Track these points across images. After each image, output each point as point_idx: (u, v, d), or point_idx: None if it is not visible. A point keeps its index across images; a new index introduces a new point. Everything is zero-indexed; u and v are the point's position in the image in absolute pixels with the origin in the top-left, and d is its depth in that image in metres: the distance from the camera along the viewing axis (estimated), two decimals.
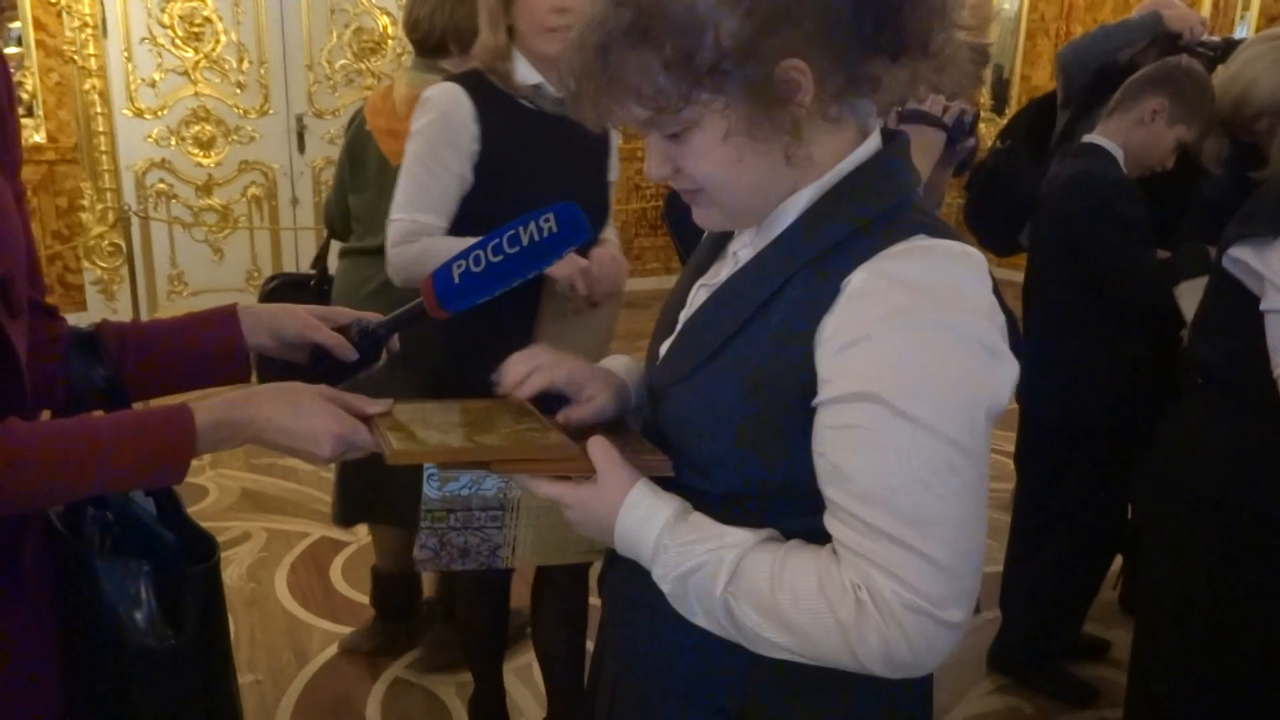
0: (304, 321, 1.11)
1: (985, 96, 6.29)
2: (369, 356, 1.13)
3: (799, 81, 0.76)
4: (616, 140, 1.93)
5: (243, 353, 1.09)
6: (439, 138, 1.73)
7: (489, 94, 1.74)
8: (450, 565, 0.97)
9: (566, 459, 0.86)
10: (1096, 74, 2.40)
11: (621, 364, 1.05)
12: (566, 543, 1.01)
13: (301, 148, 5.56)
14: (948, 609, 0.73)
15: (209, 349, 1.07)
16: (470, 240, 1.07)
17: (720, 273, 0.91)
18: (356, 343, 1.12)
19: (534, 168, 1.77)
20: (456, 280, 1.06)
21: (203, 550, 1.02)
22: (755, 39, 0.74)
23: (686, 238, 1.78)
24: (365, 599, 2.74)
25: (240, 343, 1.09)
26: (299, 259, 5.69)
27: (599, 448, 0.86)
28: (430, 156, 1.75)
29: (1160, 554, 1.76)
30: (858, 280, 0.75)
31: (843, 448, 0.75)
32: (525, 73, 1.74)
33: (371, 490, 2.31)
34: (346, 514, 2.40)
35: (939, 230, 0.78)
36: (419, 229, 1.76)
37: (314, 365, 1.10)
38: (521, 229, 1.03)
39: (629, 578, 0.91)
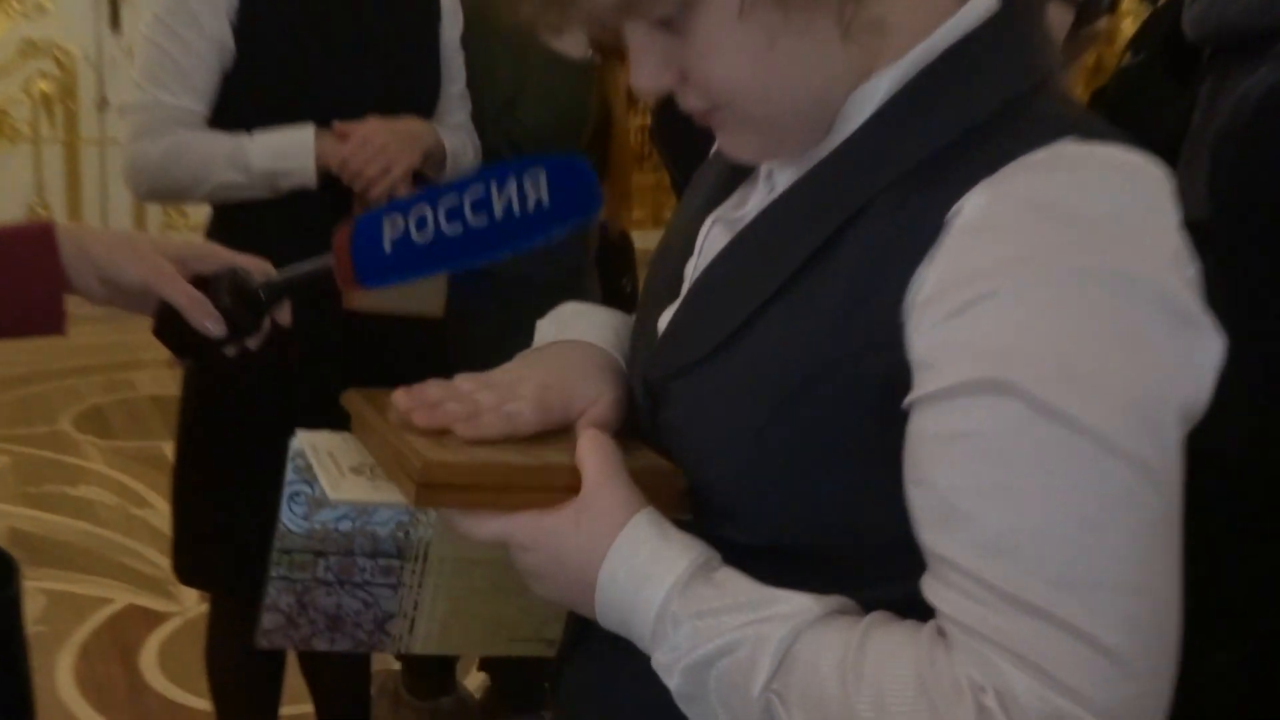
0: (150, 265, 1.04)
1: None
2: (241, 328, 1.04)
3: None
4: None
5: (57, 295, 1.04)
6: None
7: None
8: (312, 639, 0.89)
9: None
10: None
11: (607, 331, 0.91)
12: (500, 619, 0.92)
13: (116, 22, 4.96)
14: None
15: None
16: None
17: (747, 201, 0.83)
18: (225, 306, 1.03)
19: (322, 28, 1.76)
20: (387, 249, 0.96)
21: None
22: None
23: (687, 162, 1.55)
24: (195, 700, 2.51)
25: (55, 281, 1.04)
26: (109, 186, 5.17)
27: (591, 445, 0.75)
28: (174, 14, 1.72)
29: None
30: (974, 208, 0.68)
31: (956, 470, 0.66)
32: None
33: (235, 531, 1.87)
34: (190, 566, 2.00)
35: (1096, 130, 0.71)
36: (167, 115, 1.72)
37: (159, 330, 1.04)
38: (495, 188, 0.93)
39: (608, 675, 0.82)
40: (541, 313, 0.95)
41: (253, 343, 1.06)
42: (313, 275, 1.03)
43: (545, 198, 0.92)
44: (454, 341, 1.98)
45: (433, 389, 0.81)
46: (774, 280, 0.75)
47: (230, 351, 1.06)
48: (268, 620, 0.88)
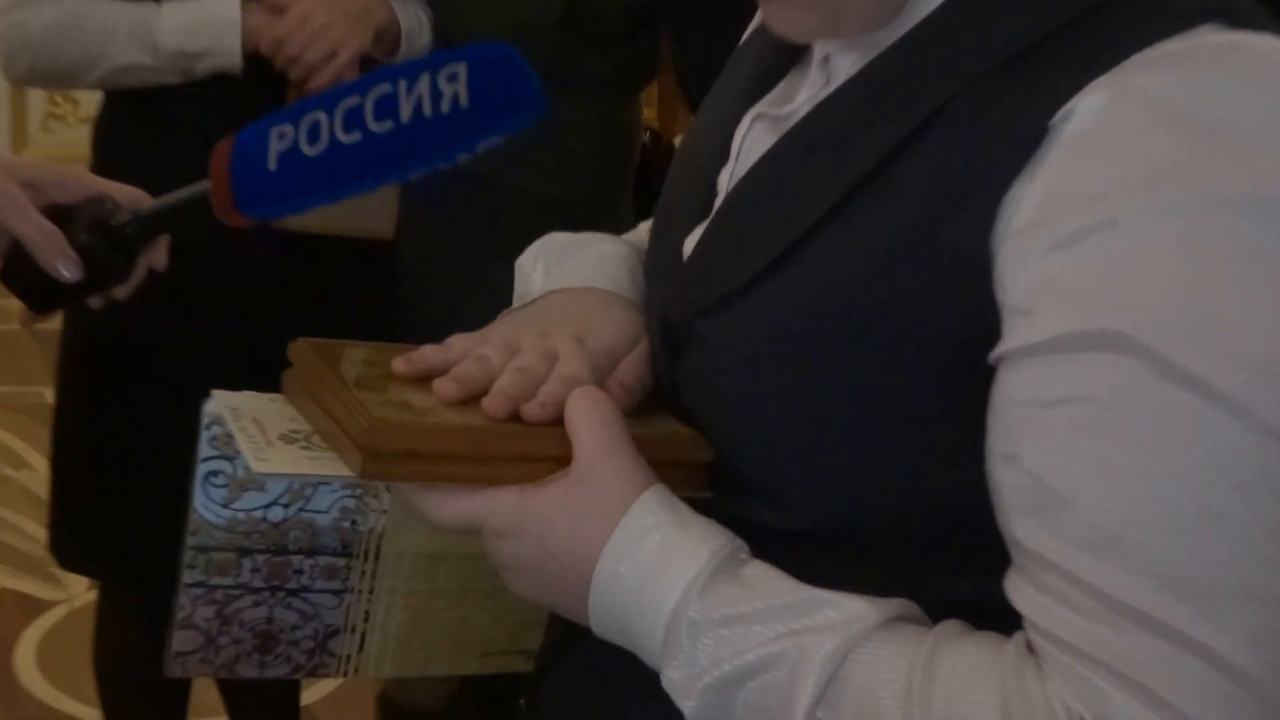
0: None
1: None
2: (104, 273, 1.00)
3: None
4: None
5: None
6: None
7: None
8: (237, 664, 0.85)
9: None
10: None
11: (615, 268, 0.87)
12: (469, 629, 0.89)
13: None
14: None
15: None
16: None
17: (797, 94, 0.78)
18: (83, 243, 0.99)
19: None
20: (272, 165, 0.90)
21: None
22: None
23: (701, 65, 1.49)
24: (79, 708, 2.42)
25: None
26: None
27: (585, 404, 0.72)
28: None
29: None
30: (1089, 111, 0.64)
31: (1055, 444, 0.63)
32: None
33: (132, 505, 1.73)
34: (72, 546, 1.88)
35: (1245, 13, 0.67)
36: None
37: (7, 273, 1.01)
38: (404, 87, 0.87)
39: (601, 691, 0.79)
40: None
41: (121, 291, 1.02)
42: (186, 203, 0.98)
43: (465, 98, 0.86)
44: (429, 278, 1.80)
45: (430, 349, 0.77)
46: (830, 193, 0.72)
47: (94, 302, 1.03)
48: (181, 641, 0.85)
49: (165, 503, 0.85)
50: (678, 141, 2.35)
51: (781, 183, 0.76)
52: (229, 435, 0.77)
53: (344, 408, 0.71)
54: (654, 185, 2.15)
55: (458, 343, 0.78)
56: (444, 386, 0.74)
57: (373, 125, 0.88)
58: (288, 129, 0.91)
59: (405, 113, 0.88)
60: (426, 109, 0.87)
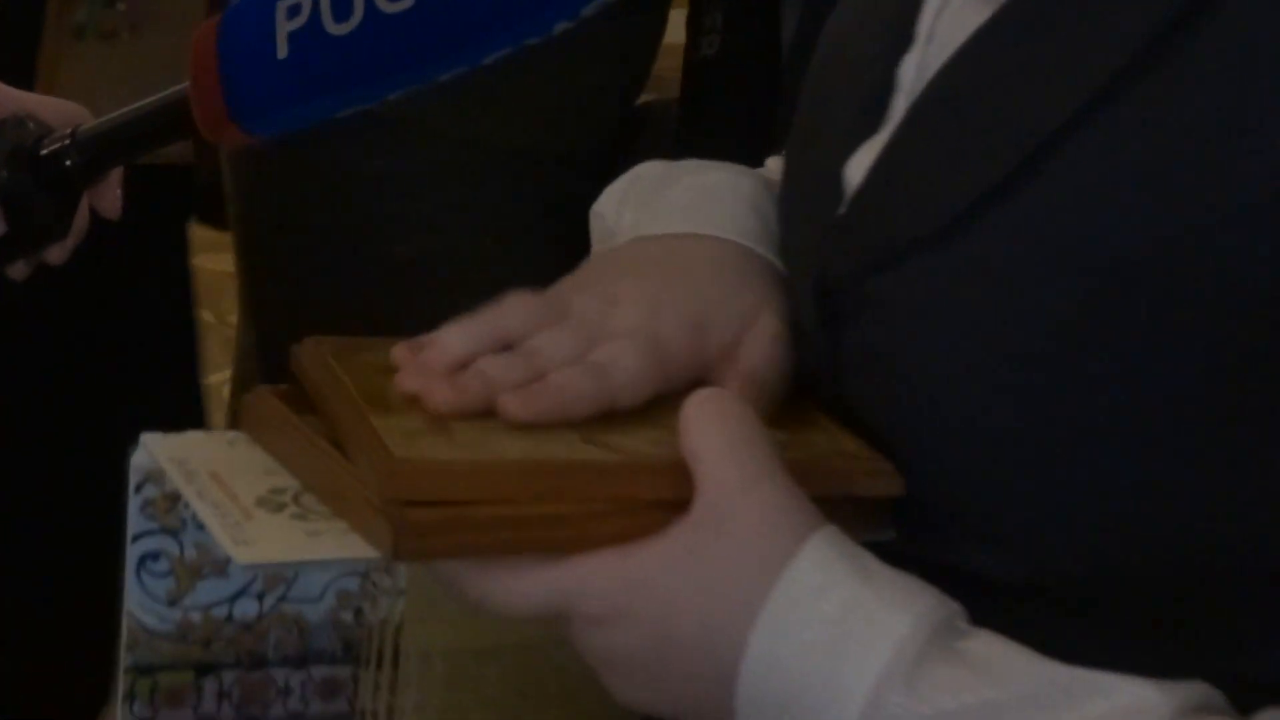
0: None
1: None
2: (32, 224, 0.83)
3: None
4: None
5: None
6: None
7: None
8: None
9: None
10: None
11: (740, 209, 0.71)
12: None
13: None
14: None
15: None
16: None
17: None
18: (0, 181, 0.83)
19: None
20: (282, 52, 0.73)
21: None
22: None
23: None
24: None
25: None
26: None
27: (708, 417, 0.57)
28: None
29: None
30: None
31: None
32: None
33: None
34: None
35: None
36: None
37: None
38: None
39: None
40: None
41: (55, 253, 0.84)
42: (152, 119, 0.81)
43: None
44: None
45: (455, 336, 0.61)
46: (1082, 85, 0.58)
47: (16, 271, 0.85)
48: None
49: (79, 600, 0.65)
50: None
51: (1006, 71, 0.61)
52: (172, 499, 0.61)
53: (356, 442, 0.55)
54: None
55: (502, 315, 0.62)
56: (509, 404, 0.58)
57: None
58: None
59: None
60: None
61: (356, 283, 1.29)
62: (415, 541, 0.52)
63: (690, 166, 0.77)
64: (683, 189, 0.73)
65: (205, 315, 2.05)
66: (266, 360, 1.32)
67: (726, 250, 0.69)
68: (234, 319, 1.65)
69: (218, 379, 1.88)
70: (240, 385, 1.39)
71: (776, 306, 0.66)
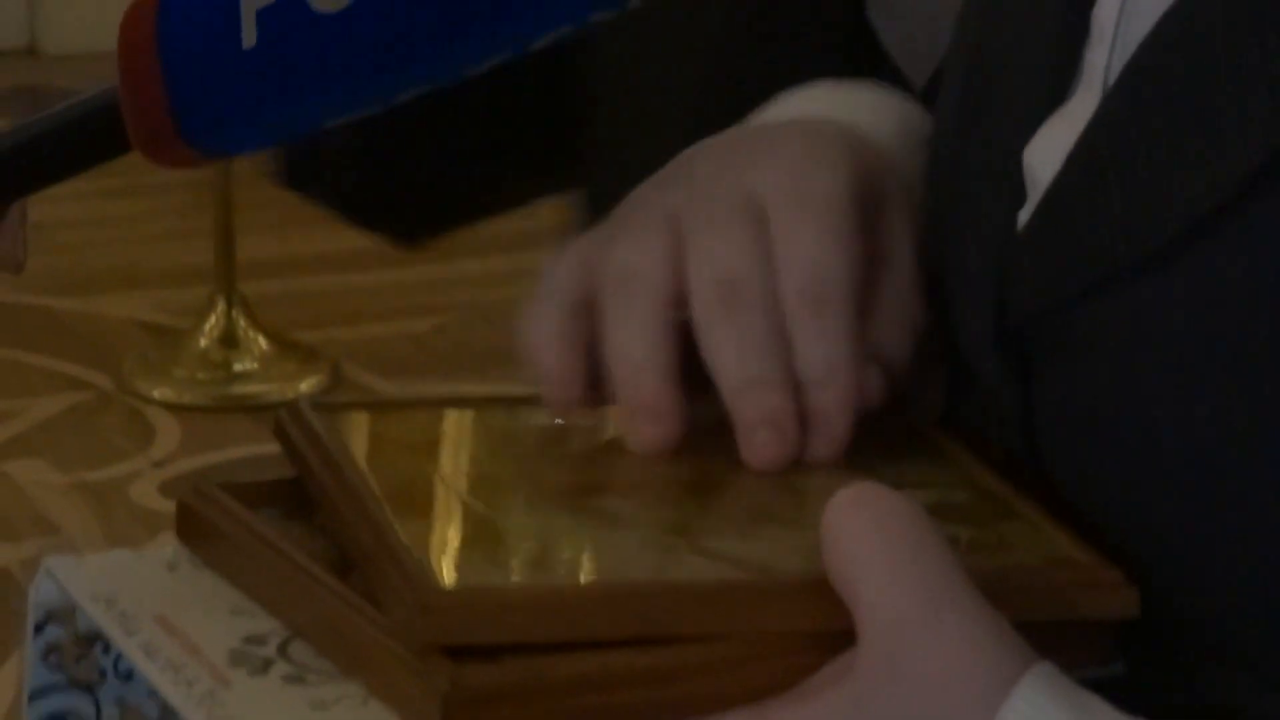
0: None
1: None
2: None
3: None
4: None
5: None
6: None
7: None
8: None
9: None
10: None
11: (889, 104, 0.60)
12: None
13: None
14: None
15: None
16: None
17: None
18: None
19: None
20: (249, 40, 0.53)
21: None
22: None
23: None
24: None
25: None
26: None
27: (858, 516, 0.44)
28: None
29: None
30: None
31: None
32: None
33: None
34: None
35: None
36: None
37: None
38: None
39: None
40: None
41: None
42: (75, 129, 0.63)
43: None
44: None
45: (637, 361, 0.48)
46: None
47: None
48: None
49: None
50: None
51: (1259, 24, 0.47)
52: (86, 642, 0.46)
53: (374, 562, 0.42)
54: None
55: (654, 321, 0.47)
56: (819, 450, 0.49)
57: None
58: None
59: None
60: None
61: None
62: (472, 713, 0.39)
63: (854, 90, 0.63)
64: (817, 94, 0.61)
65: None
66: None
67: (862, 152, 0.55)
68: None
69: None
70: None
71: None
